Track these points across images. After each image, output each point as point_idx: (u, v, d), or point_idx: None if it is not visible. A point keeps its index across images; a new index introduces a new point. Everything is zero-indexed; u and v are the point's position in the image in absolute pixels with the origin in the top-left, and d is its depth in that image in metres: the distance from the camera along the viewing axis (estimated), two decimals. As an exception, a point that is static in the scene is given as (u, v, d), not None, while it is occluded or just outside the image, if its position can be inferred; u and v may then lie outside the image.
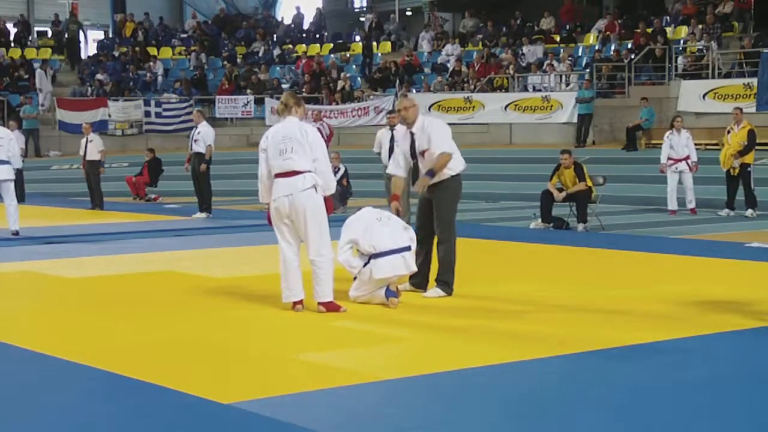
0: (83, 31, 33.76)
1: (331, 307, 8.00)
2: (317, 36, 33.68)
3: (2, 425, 5.05)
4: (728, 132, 16.81)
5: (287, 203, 7.89)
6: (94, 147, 19.67)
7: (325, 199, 8.04)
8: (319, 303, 8.00)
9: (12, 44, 33.07)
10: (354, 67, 30.35)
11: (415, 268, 8.62)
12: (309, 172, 7.87)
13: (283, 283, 8.08)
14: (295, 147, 7.84)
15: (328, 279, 7.98)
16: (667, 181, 17.29)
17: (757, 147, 16.84)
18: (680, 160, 17.13)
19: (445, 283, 8.83)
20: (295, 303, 8.09)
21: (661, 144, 17.98)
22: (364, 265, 8.38)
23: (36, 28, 37.28)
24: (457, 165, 8.85)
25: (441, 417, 5.18)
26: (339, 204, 18.62)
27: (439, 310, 8.25)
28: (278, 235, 8.09)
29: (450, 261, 8.84)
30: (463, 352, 6.67)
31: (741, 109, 17.44)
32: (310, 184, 7.86)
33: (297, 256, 8.07)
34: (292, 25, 34.67)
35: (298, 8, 35.28)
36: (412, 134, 8.88)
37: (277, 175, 7.95)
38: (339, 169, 18.95)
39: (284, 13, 38.45)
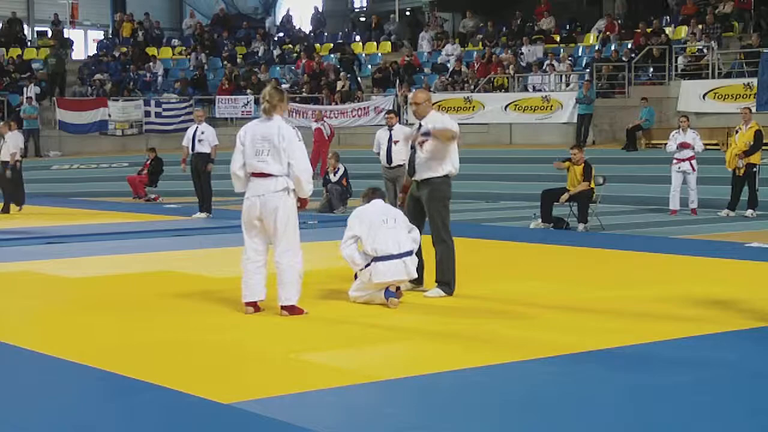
0: (64, 60, 31.53)
1: (294, 311, 7.90)
2: (315, 35, 33.68)
3: (2, 425, 5.05)
4: (736, 131, 16.78)
5: (258, 204, 7.89)
6: (7, 148, 19.21)
7: (301, 200, 8.01)
8: (282, 307, 7.90)
9: (13, 44, 33.01)
10: (354, 67, 30.33)
11: (415, 274, 8.63)
12: (282, 176, 7.84)
13: (244, 283, 8.03)
14: (271, 150, 7.81)
15: (292, 283, 7.88)
16: (671, 180, 17.28)
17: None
18: (684, 160, 17.11)
19: (446, 284, 8.84)
20: (248, 303, 8.00)
21: (661, 144, 17.94)
22: (366, 266, 8.37)
23: (36, 28, 37.26)
24: (448, 167, 8.86)
25: (441, 417, 5.18)
26: (339, 204, 18.64)
27: (439, 310, 8.25)
28: (245, 234, 8.05)
29: (450, 262, 8.85)
30: (463, 352, 6.66)
31: (750, 109, 17.43)
32: (282, 186, 7.83)
33: (262, 257, 8.02)
34: (297, 27, 34.63)
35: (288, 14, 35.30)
36: (420, 124, 8.94)
37: (252, 174, 7.95)
38: (339, 169, 18.96)
39: (285, 13, 38.42)
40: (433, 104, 27.64)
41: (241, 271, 8.08)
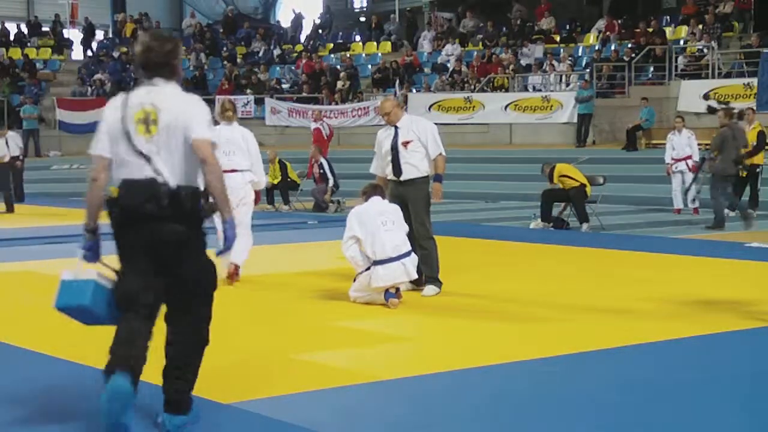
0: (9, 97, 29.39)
1: (237, 272, 9.40)
2: (318, 38, 33.63)
3: (2, 425, 5.04)
4: None
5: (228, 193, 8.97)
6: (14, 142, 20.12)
7: (255, 192, 9.64)
8: (233, 264, 9.29)
9: (12, 44, 32.99)
10: (354, 66, 30.30)
11: (415, 275, 8.65)
12: (247, 170, 9.51)
13: None
14: (236, 150, 9.46)
15: (246, 249, 9.41)
16: (671, 180, 17.30)
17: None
18: (681, 160, 17.13)
19: (437, 280, 8.97)
20: None
21: (661, 144, 17.91)
22: (366, 269, 8.37)
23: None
24: (428, 167, 9.08)
25: (441, 417, 5.18)
26: (324, 201, 18.84)
27: (439, 310, 8.25)
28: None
29: (434, 257, 8.99)
30: (463, 352, 6.67)
31: (753, 109, 17.41)
32: (248, 179, 9.52)
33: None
34: (292, 33, 34.54)
35: (298, 13, 35.17)
36: (396, 128, 9.08)
37: None
38: (321, 162, 19.23)
39: (283, 15, 38.44)
40: (433, 104, 27.47)
41: None
